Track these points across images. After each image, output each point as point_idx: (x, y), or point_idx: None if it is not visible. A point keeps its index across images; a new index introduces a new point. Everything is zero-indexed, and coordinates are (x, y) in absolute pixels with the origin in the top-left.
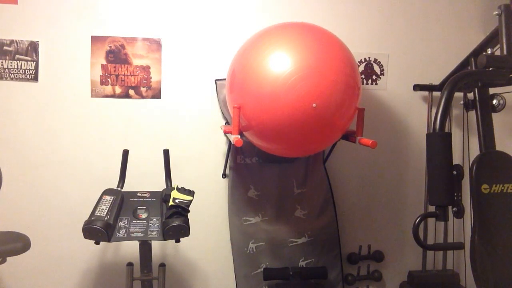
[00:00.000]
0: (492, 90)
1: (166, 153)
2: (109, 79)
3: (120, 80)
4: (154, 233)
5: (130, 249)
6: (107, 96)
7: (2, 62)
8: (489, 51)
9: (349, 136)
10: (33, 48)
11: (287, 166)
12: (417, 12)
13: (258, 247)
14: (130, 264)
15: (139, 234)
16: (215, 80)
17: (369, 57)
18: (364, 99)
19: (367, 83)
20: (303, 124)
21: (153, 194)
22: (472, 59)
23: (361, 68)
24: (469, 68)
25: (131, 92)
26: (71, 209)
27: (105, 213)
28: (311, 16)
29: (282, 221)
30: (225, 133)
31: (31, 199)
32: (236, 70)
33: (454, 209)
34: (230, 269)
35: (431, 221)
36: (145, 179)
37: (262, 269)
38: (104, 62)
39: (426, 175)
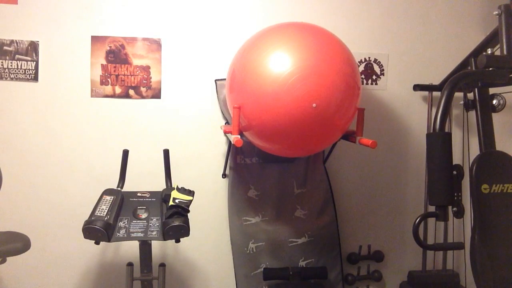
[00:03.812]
0: (492, 90)
1: (166, 153)
2: (109, 79)
3: (120, 80)
4: (154, 233)
5: (130, 249)
6: (107, 96)
7: (2, 62)
8: (489, 51)
9: (349, 136)
10: (33, 48)
11: (287, 166)
12: (417, 12)
13: (258, 247)
14: (130, 264)
15: (139, 234)
16: (215, 80)
17: (369, 57)
18: (364, 99)
19: (367, 83)
20: (303, 124)
21: (153, 194)
22: (472, 59)
23: (361, 68)
24: (469, 68)
25: (131, 92)
26: (71, 209)
27: (105, 213)
28: (311, 16)
29: (282, 221)
30: (225, 133)
31: (31, 199)
32: (236, 70)
33: (454, 209)
34: (230, 269)
35: (431, 221)
36: (145, 179)
37: (262, 269)
38: (104, 62)
39: (426, 175)
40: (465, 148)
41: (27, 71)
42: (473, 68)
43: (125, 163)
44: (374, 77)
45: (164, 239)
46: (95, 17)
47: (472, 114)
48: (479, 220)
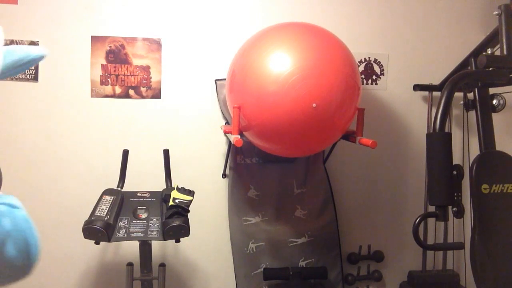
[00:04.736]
0: (492, 90)
1: (166, 153)
2: (109, 79)
3: (120, 80)
4: (154, 233)
5: (130, 249)
6: (107, 96)
7: None
8: (489, 51)
9: (349, 136)
10: None
11: (287, 166)
12: (417, 12)
13: (258, 247)
14: (130, 264)
15: (139, 234)
16: (215, 80)
17: (369, 57)
18: (364, 99)
19: (367, 83)
20: (303, 124)
21: (153, 194)
22: (472, 59)
23: (361, 68)
24: (469, 68)
25: (131, 92)
26: (71, 209)
27: (105, 213)
28: (311, 16)
29: (282, 221)
30: (225, 133)
31: (31, 199)
32: (236, 70)
33: (454, 209)
34: (230, 269)
35: (431, 221)
36: (145, 179)
37: (262, 269)
38: (104, 62)
39: (426, 175)
40: (465, 148)
41: (27, 71)
42: (473, 68)
43: (125, 163)
44: (374, 77)
45: (164, 239)
46: (95, 17)
47: (472, 114)
48: (479, 220)
